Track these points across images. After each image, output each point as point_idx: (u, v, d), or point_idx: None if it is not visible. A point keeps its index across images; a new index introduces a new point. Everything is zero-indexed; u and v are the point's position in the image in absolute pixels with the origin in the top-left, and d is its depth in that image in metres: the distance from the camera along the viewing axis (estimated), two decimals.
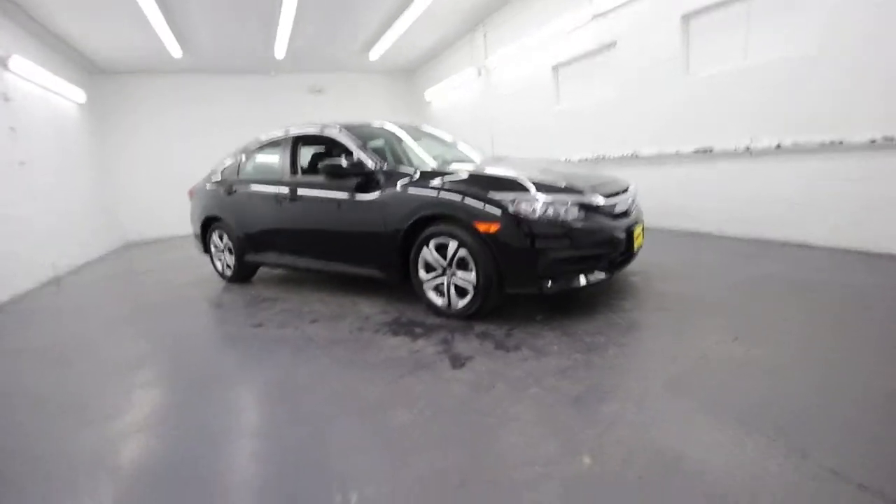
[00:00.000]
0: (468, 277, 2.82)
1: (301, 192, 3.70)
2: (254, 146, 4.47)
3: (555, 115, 6.95)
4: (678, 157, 5.07)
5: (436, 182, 2.96)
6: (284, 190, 3.83)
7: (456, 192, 2.82)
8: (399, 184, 3.12)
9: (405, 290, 3.75)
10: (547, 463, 1.53)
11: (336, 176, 3.36)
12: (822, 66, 3.73)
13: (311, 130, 3.92)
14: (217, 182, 4.63)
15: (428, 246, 2.96)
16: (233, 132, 10.26)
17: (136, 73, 9.33)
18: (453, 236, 2.82)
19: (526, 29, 7.08)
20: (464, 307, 2.89)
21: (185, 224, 10.23)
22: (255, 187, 4.17)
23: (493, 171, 3.06)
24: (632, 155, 5.61)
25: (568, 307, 3.01)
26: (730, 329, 2.46)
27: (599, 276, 2.78)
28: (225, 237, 4.54)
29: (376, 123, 4.05)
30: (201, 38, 7.58)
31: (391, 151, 3.86)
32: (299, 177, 3.87)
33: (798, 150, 3.97)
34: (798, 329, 2.41)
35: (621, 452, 1.55)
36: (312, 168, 4.15)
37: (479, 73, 8.77)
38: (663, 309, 2.85)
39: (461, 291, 2.90)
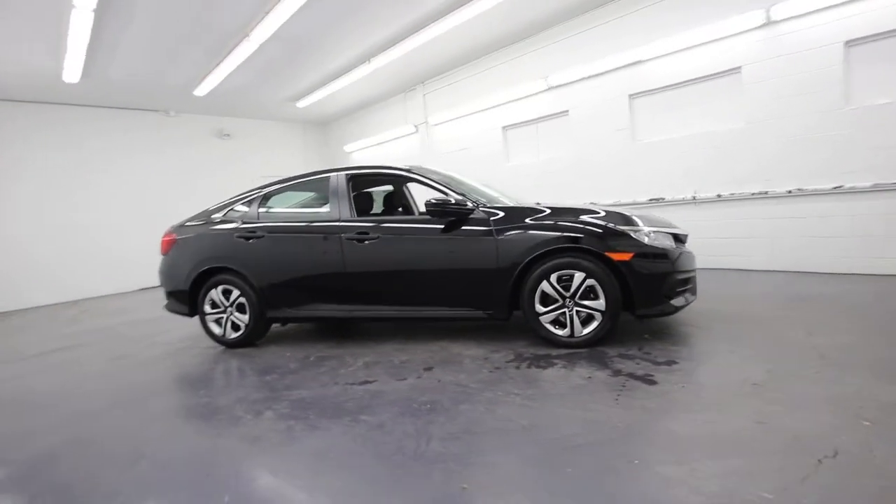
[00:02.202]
0: (596, 305, 3.02)
1: (375, 233, 3.46)
2: (279, 184, 4.00)
3: (505, 171, 7.70)
4: (634, 206, 6.15)
5: (546, 216, 3.16)
6: (348, 232, 3.53)
7: (580, 225, 3.07)
8: (494, 220, 3.22)
9: (486, 328, 3.71)
10: (838, 431, 1.82)
11: (439, 215, 3.29)
12: (748, 136, 5.13)
13: (376, 169, 3.81)
14: (222, 227, 3.95)
15: (549, 279, 3.09)
16: (123, 176, 8.66)
17: None
18: (579, 267, 3.02)
19: (473, 92, 7.85)
20: (590, 334, 3.05)
21: (55, 290, 7.95)
22: (295, 230, 3.72)
23: (598, 207, 3.36)
24: (590, 203, 6.55)
25: (656, 328, 3.41)
26: (798, 328, 3.14)
27: (693, 297, 3.28)
28: (235, 292, 3.83)
29: (419, 165, 4.06)
30: (117, 63, 6.45)
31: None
32: (371, 217, 3.63)
33: (735, 199, 5.28)
34: (843, 323, 3.19)
35: (875, 410, 1.93)
36: (366, 208, 3.97)
37: (417, 130, 9.22)
38: (732, 322, 3.45)
39: (583, 321, 3.08)
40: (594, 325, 3.04)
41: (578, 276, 3.02)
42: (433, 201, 3.25)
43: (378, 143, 10.27)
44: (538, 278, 3.10)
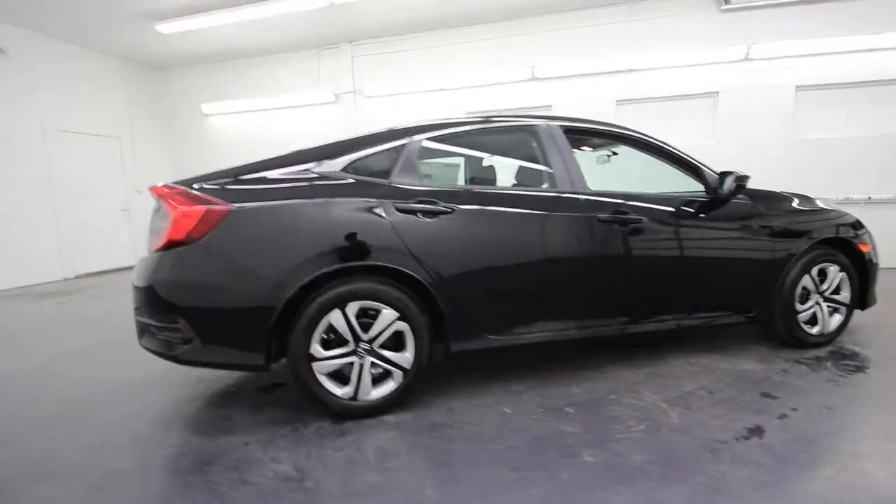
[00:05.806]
0: (842, 299, 2.89)
1: (638, 214, 2.52)
2: (436, 130, 2.43)
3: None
4: None
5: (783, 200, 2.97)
6: (603, 211, 2.44)
7: (841, 212, 2.94)
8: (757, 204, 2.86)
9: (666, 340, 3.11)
10: None
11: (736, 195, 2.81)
12: (720, 150, 6.01)
13: (603, 127, 3.21)
14: (354, 193, 2.12)
15: (809, 273, 2.80)
16: None
17: None
18: (834, 260, 2.85)
19: (435, 67, 6.81)
20: (836, 331, 2.91)
21: None
22: (515, 206, 2.34)
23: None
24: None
25: None
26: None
27: None
28: (386, 312, 2.08)
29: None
30: None
31: None
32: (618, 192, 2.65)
33: None
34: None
35: None
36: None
37: (338, 100, 7.41)
38: None
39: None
40: (839, 319, 2.92)
41: (833, 269, 2.85)
42: (738, 175, 2.59)
43: (265, 109, 7.78)
44: (800, 273, 2.78)
